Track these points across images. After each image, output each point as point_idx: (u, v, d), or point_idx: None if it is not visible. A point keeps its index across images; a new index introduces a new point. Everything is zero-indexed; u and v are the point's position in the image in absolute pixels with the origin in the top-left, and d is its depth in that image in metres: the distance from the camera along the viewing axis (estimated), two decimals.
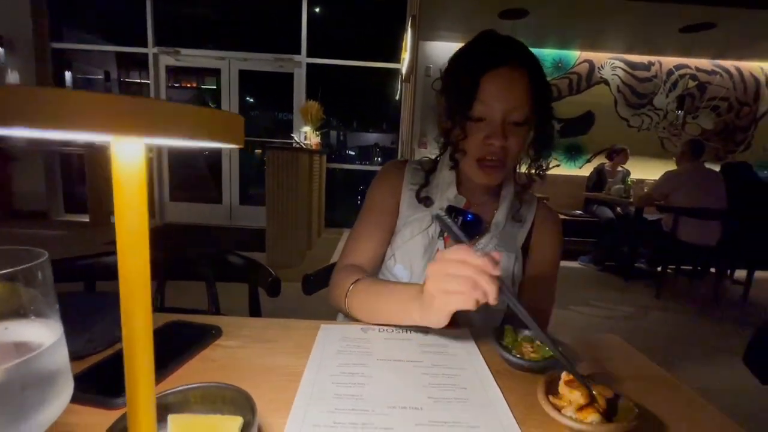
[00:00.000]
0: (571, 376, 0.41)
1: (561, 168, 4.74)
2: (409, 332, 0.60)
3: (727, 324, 2.60)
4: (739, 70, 4.61)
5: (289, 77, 4.81)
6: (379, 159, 5.46)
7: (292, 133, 4.65)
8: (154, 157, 4.79)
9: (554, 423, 0.40)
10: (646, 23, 3.69)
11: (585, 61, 4.59)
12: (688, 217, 2.89)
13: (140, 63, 4.79)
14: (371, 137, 5.66)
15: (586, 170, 4.52)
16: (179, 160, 4.99)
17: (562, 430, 0.40)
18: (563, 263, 3.32)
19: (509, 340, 0.54)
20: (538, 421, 0.41)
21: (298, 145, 3.93)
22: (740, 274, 3.23)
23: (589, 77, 4.62)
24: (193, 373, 0.47)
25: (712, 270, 3.18)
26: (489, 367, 0.51)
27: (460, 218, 0.69)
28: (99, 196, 4.23)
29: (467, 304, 0.45)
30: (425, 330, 0.61)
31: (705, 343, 2.28)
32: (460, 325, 0.70)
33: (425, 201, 0.74)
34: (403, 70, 4.22)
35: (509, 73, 0.64)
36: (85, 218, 4.32)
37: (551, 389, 0.42)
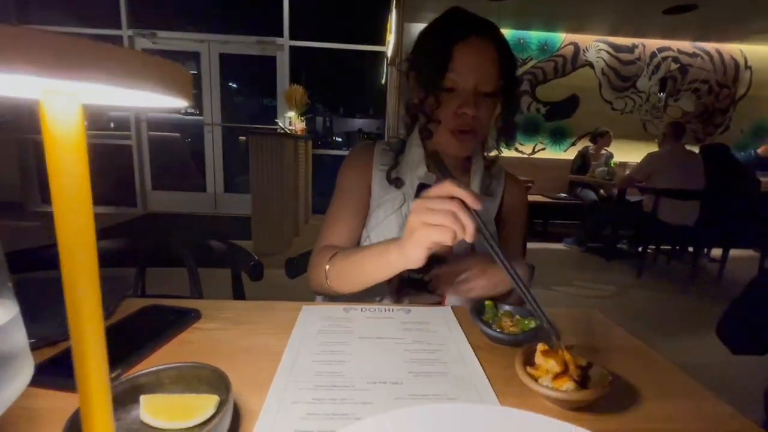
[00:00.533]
0: (547, 347, 0.42)
1: (546, 152, 4.79)
2: (391, 311, 0.60)
3: (704, 300, 2.70)
4: (719, 52, 4.67)
5: (272, 61, 4.69)
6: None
7: (276, 118, 4.55)
8: (134, 144, 4.65)
9: (532, 394, 0.41)
10: (631, 4, 3.69)
11: (570, 43, 4.58)
12: (668, 198, 2.96)
13: None
14: (357, 123, 5.59)
15: (571, 153, 4.57)
16: (160, 148, 4.85)
17: (539, 400, 0.41)
18: (547, 245, 3.38)
19: (489, 316, 0.54)
20: (516, 392, 0.42)
21: (282, 131, 3.85)
22: (716, 252, 3.35)
23: (575, 60, 4.63)
24: (170, 356, 0.46)
25: (690, 249, 3.28)
26: (469, 342, 0.51)
27: None
28: None
29: (445, 236, 0.46)
30: (407, 308, 0.61)
31: (682, 319, 2.36)
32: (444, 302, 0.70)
33: (396, 182, 0.75)
34: (389, 53, 4.15)
35: (479, 43, 0.66)
36: None
37: (529, 361, 0.43)
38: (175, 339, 0.49)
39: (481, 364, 0.47)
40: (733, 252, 3.19)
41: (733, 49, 4.67)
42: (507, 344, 0.51)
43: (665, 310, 2.55)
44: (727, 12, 3.71)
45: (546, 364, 0.40)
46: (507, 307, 0.56)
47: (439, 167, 0.55)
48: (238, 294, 0.94)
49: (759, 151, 4.07)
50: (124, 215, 4.35)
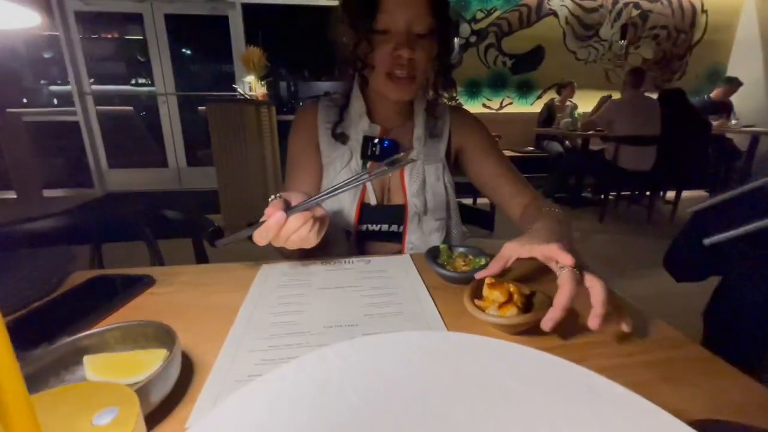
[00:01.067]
0: (493, 279, 0.44)
1: (513, 106, 4.80)
2: (351, 263, 0.61)
3: (658, 239, 2.89)
4: None
5: (224, 21, 4.35)
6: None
7: (234, 84, 4.30)
8: (81, 121, 4.31)
9: (480, 325, 0.43)
10: None
11: None
12: (628, 145, 3.07)
13: (41, 10, 4.12)
14: (324, 86, 5.36)
15: (538, 106, 4.60)
16: (112, 124, 4.53)
17: (487, 329, 0.43)
18: None
19: (444, 258, 0.56)
20: (465, 323, 0.44)
21: (242, 97, 3.66)
22: (671, 195, 3.55)
23: (539, 9, 4.54)
24: (120, 321, 0.45)
25: (648, 193, 3.47)
26: (425, 284, 0.53)
27: (378, 146, 0.70)
28: (24, 169, 3.81)
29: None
30: (367, 259, 0.62)
31: (638, 258, 2.54)
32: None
33: (341, 138, 0.74)
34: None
35: None
36: (12, 194, 3.91)
37: (477, 295, 0.45)
38: (126, 305, 0.48)
39: (434, 301, 0.48)
40: (686, 193, 3.40)
41: None
42: (460, 282, 0.53)
43: (624, 250, 2.72)
44: None
45: (491, 295, 0.42)
46: (461, 249, 0.58)
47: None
48: (202, 262, 0.92)
49: (712, 95, 4.24)
50: (81, 197, 4.11)
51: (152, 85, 4.48)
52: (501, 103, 4.78)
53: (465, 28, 4.46)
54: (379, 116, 0.76)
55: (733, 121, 4.13)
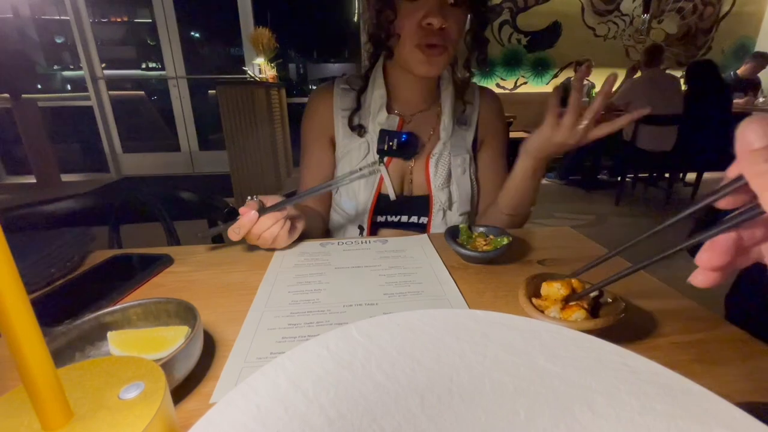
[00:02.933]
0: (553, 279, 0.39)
1: (528, 85, 4.66)
2: (367, 243, 0.60)
3: (678, 223, 2.82)
4: None
5: (233, 2, 4.28)
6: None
7: (244, 66, 4.26)
8: (95, 105, 4.34)
9: (504, 305, 0.42)
10: None
11: None
12: (647, 125, 2.97)
13: None
14: (334, 68, 5.28)
15: (553, 86, 4.45)
16: (125, 108, 4.56)
17: (514, 312, 0.42)
18: None
19: (464, 238, 0.54)
20: (488, 303, 0.43)
21: (252, 79, 3.63)
22: (690, 177, 3.44)
23: None
24: (141, 299, 0.46)
25: (666, 175, 3.36)
26: (444, 264, 0.52)
27: (395, 140, 0.67)
28: (42, 154, 3.88)
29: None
30: (384, 239, 0.61)
31: (656, 242, 2.48)
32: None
33: (358, 130, 0.70)
34: None
35: None
36: (32, 179, 4.00)
37: (534, 292, 0.40)
38: (147, 284, 0.49)
39: (455, 281, 0.47)
40: (707, 175, 3.28)
41: None
42: (481, 262, 0.52)
43: (640, 234, 2.66)
44: None
45: (553, 293, 0.38)
46: (481, 229, 0.57)
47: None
48: (216, 242, 0.93)
49: (739, 71, 4.04)
50: (98, 181, 4.18)
51: (162, 69, 4.47)
52: (515, 83, 4.64)
53: None
54: (402, 100, 0.72)
55: (761, 99, 3.94)
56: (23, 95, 3.75)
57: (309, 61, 5.24)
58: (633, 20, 4.53)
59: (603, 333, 0.34)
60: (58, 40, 4.65)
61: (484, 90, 0.78)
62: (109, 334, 0.33)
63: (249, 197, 0.54)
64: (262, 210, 0.52)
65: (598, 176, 3.80)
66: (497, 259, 0.52)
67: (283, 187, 3.68)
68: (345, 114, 0.72)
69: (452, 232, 0.55)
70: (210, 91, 4.68)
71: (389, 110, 0.70)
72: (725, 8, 4.62)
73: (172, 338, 0.33)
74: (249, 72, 3.89)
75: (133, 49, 4.70)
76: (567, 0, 4.41)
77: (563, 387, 0.25)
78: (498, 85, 4.61)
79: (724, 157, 3.14)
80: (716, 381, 0.31)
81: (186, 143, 4.65)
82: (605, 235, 2.63)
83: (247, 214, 0.51)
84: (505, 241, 0.51)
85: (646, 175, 3.54)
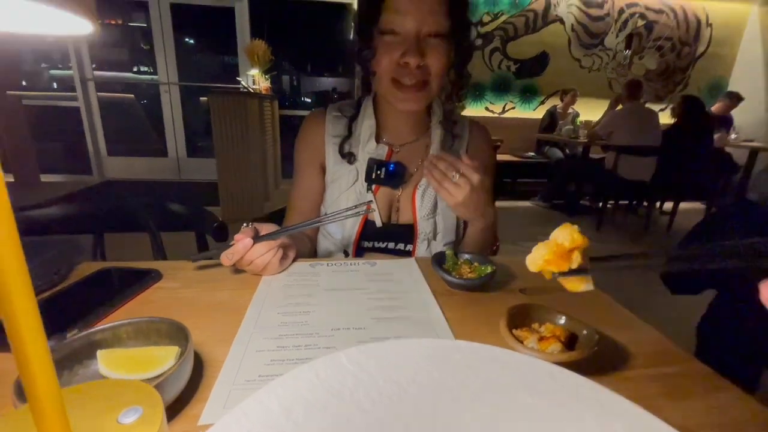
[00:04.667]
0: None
1: (516, 110, 4.80)
2: (356, 265, 0.61)
3: (655, 249, 2.92)
4: (683, 9, 4.72)
5: (230, 13, 4.33)
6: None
7: (238, 77, 4.29)
8: (82, 106, 4.28)
9: (486, 334, 0.44)
10: None
11: None
12: (627, 155, 3.09)
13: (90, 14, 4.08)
14: (327, 82, 5.35)
15: (540, 112, 4.61)
16: (113, 110, 4.50)
17: (493, 339, 0.43)
18: (516, 203, 3.47)
19: (450, 264, 0.56)
20: (471, 331, 0.45)
21: (245, 90, 3.64)
22: (668, 205, 3.58)
23: (545, 15, 4.55)
24: (130, 315, 0.45)
25: (645, 204, 3.49)
26: (431, 290, 0.54)
27: (383, 169, 0.68)
28: (23, 153, 3.78)
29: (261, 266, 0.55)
30: (373, 261, 0.62)
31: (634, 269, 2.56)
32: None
33: (349, 157, 0.72)
34: (355, 5, 3.92)
35: None
36: (10, 178, 3.88)
37: (513, 322, 0.41)
38: (135, 299, 0.49)
39: (440, 308, 0.49)
40: (683, 205, 3.42)
41: (696, 6, 4.72)
42: (466, 289, 0.53)
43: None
44: None
45: (534, 326, 0.41)
46: (467, 256, 0.59)
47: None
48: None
49: (713, 108, 4.26)
50: (79, 183, 4.08)
51: (154, 73, 4.45)
52: (504, 108, 4.79)
53: (471, 32, 4.46)
54: (391, 131, 0.73)
55: (733, 136, 4.16)
56: (7, 91, 3.66)
57: (303, 74, 5.30)
58: (616, 55, 4.76)
59: (578, 364, 0.36)
60: (49, 38, 4.59)
61: (474, 124, 0.79)
62: (99, 353, 0.33)
63: (244, 224, 0.55)
64: (257, 238, 0.53)
65: (581, 201, 3.91)
66: (481, 287, 0.54)
67: (270, 198, 3.66)
68: (336, 141, 0.73)
69: (439, 259, 0.57)
70: (202, 98, 4.68)
71: (378, 140, 0.72)
72: (701, 49, 4.90)
73: (162, 358, 0.33)
74: (243, 82, 3.90)
75: (126, 52, 4.68)
76: (555, 32, 4.62)
77: (538, 418, 0.27)
78: (487, 109, 4.75)
79: (698, 188, 3.30)
80: (681, 415, 0.33)
81: (174, 149, 4.61)
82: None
83: (242, 240, 0.52)
84: (489, 269, 0.53)
85: (626, 202, 3.67)
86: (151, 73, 4.56)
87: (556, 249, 0.36)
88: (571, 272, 0.36)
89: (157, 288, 0.52)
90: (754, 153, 3.79)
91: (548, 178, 4.11)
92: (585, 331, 0.40)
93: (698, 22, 4.79)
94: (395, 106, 0.66)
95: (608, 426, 0.25)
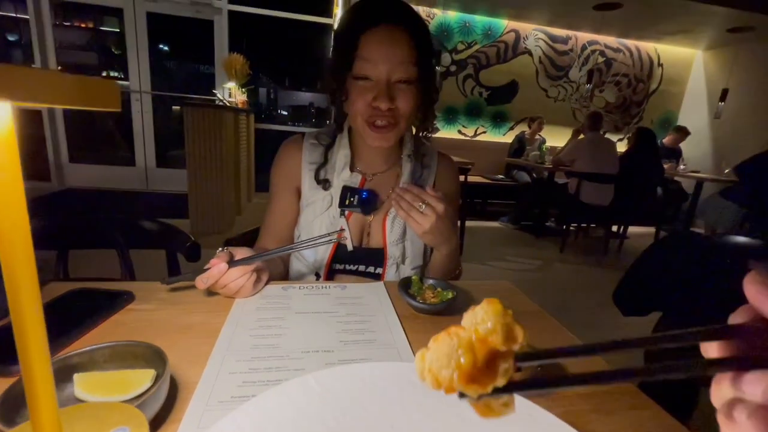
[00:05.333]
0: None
1: (487, 134, 5.02)
2: (327, 288, 0.64)
3: (611, 270, 3.09)
4: (638, 49, 5.15)
5: (209, 25, 4.33)
6: (315, 120, 5.26)
7: (214, 89, 4.26)
8: (44, 109, 4.10)
9: None
10: None
11: (512, 30, 4.77)
12: (588, 181, 3.30)
13: None
14: (305, 96, 5.39)
15: (510, 137, 4.85)
16: (78, 115, 4.33)
17: None
18: (485, 223, 3.58)
19: (415, 289, 0.61)
20: None
21: (221, 103, 3.63)
22: (631, 229, 3.84)
23: (515, 47, 4.84)
24: (103, 338, 0.47)
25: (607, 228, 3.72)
26: (397, 313, 0.57)
27: (356, 196, 0.73)
28: None
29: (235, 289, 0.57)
30: (343, 285, 0.66)
31: (592, 288, 2.70)
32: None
33: (324, 183, 0.76)
34: (336, 26, 4.03)
35: (390, 30, 0.64)
36: None
37: None
38: (107, 321, 0.50)
39: (404, 331, 0.53)
40: (636, 229, 3.67)
41: (648, 47, 5.17)
42: (428, 313, 0.58)
43: (579, 279, 2.90)
44: (646, 13, 4.09)
45: None
46: (431, 281, 0.63)
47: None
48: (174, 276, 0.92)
49: (664, 141, 4.63)
50: (37, 190, 3.87)
51: (125, 79, 4.35)
52: (476, 131, 5.00)
53: (446, 58, 4.67)
54: (365, 161, 0.79)
55: (682, 166, 4.52)
56: None
57: (280, 88, 5.32)
58: (579, 87, 5.11)
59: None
60: (11, 38, 4.40)
61: (443, 156, 0.86)
62: (76, 377, 0.34)
63: (219, 249, 0.57)
64: (232, 262, 0.55)
65: (546, 224, 4.10)
66: (443, 311, 0.58)
67: (242, 211, 3.62)
68: (312, 167, 0.77)
69: (405, 284, 0.61)
70: (174, 107, 4.60)
71: (352, 168, 0.77)
72: (653, 86, 5.35)
73: (138, 381, 0.35)
74: (218, 95, 3.89)
75: (95, 56, 4.55)
76: (524, 63, 4.91)
77: (481, 431, 0.31)
78: (460, 132, 4.94)
79: (654, 213, 3.56)
80: (606, 428, 0.38)
81: (142, 158, 4.47)
82: (551, 281, 2.82)
83: (217, 266, 0.54)
84: (450, 295, 0.58)
85: (586, 225, 3.89)
86: (121, 79, 4.44)
87: (471, 353, 0.20)
88: (496, 392, 0.20)
89: (130, 310, 0.53)
90: (700, 183, 4.12)
91: (516, 201, 4.30)
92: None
93: (651, 61, 5.24)
94: (368, 143, 0.72)
95: None
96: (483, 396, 0.20)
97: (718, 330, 0.17)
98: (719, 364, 0.18)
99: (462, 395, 0.20)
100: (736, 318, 0.18)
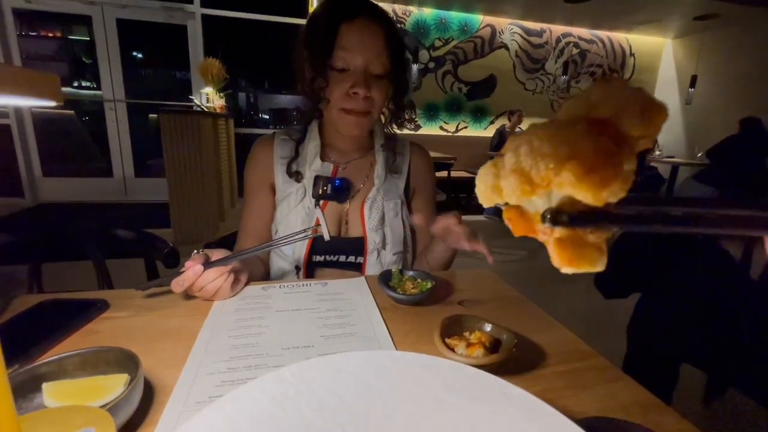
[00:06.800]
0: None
1: (468, 129, 5.07)
2: (308, 286, 0.64)
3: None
4: (610, 40, 5.27)
5: (182, 30, 4.25)
6: (297, 123, 5.19)
7: (191, 95, 4.19)
8: (13, 123, 3.96)
9: (424, 344, 0.49)
10: None
11: (487, 25, 4.83)
12: None
13: None
14: (285, 99, 5.34)
15: (491, 131, 4.91)
16: (50, 128, 4.20)
17: (431, 348, 0.48)
18: (470, 217, 3.63)
19: (395, 281, 0.61)
20: (412, 342, 0.49)
21: (198, 108, 3.57)
22: None
23: (491, 41, 4.89)
24: (75, 347, 0.45)
25: None
26: (378, 306, 0.58)
27: (329, 185, 0.73)
28: None
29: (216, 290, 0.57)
30: (324, 282, 0.66)
31: (576, 276, 2.75)
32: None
33: (296, 176, 0.77)
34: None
35: (367, 23, 0.68)
36: None
37: (447, 332, 0.47)
38: (80, 330, 0.48)
39: (385, 323, 0.53)
40: None
41: (620, 37, 5.30)
42: (407, 304, 0.58)
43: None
44: (615, 4, 4.19)
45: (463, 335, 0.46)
46: (411, 273, 0.64)
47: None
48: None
49: None
50: (9, 206, 3.74)
51: (98, 88, 4.24)
52: (457, 127, 5.04)
53: (424, 55, 4.69)
54: (336, 150, 0.80)
55: (657, 152, 4.65)
56: None
57: (260, 91, 5.26)
58: (555, 79, 5.20)
59: (501, 366, 0.42)
60: None
61: (414, 145, 0.88)
62: (44, 386, 0.34)
63: (195, 251, 0.56)
64: (208, 264, 0.54)
65: None
66: (423, 301, 0.59)
67: (226, 217, 3.57)
68: (284, 162, 0.78)
69: (385, 276, 0.61)
70: (151, 115, 4.50)
71: (324, 158, 0.78)
72: (627, 75, 5.48)
73: (110, 387, 0.34)
74: (196, 100, 3.82)
75: (65, 66, 4.41)
76: (501, 57, 4.98)
77: (457, 414, 0.31)
78: (441, 128, 4.97)
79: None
80: (580, 402, 0.39)
81: (120, 168, 4.37)
82: (535, 270, 2.88)
83: (193, 267, 0.53)
84: (429, 285, 0.59)
85: None
86: (94, 89, 4.32)
87: (591, 135, 0.14)
88: (596, 218, 0.15)
89: (104, 318, 0.52)
90: (675, 168, 4.25)
91: None
92: (505, 336, 0.46)
93: (623, 51, 5.37)
94: (342, 131, 0.74)
95: (511, 414, 0.30)
96: (584, 221, 0.14)
97: None
98: None
99: (555, 218, 0.14)
100: None
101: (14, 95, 0.15)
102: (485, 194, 0.17)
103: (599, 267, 0.16)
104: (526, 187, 0.14)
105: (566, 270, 0.17)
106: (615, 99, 0.14)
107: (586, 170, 0.13)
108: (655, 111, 0.14)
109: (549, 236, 0.16)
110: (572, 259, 0.16)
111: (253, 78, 5.09)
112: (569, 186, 0.13)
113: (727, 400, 1.41)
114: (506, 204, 0.18)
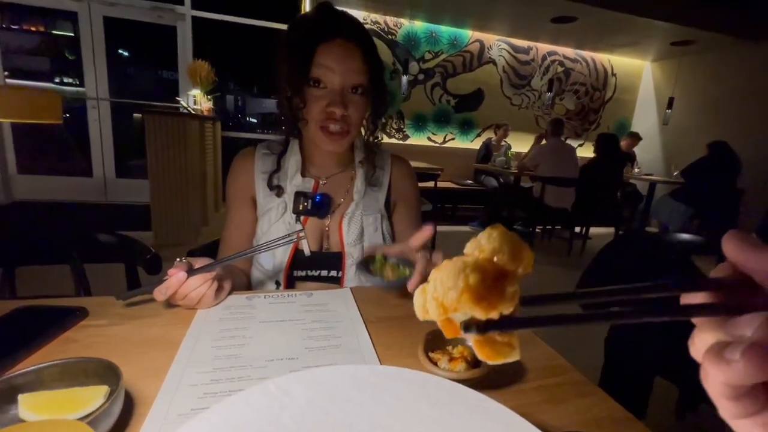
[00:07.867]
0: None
1: (455, 141, 5.15)
2: (293, 296, 0.64)
3: (575, 270, 3.23)
4: (593, 60, 5.47)
5: (172, 31, 4.21)
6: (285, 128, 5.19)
7: (178, 96, 4.13)
8: None
9: (408, 357, 0.49)
10: (524, 10, 4.11)
11: (476, 40, 4.94)
12: (551, 185, 3.45)
13: None
14: (273, 104, 5.27)
15: (477, 144, 4.99)
16: (27, 124, 4.07)
17: (414, 360, 0.49)
18: (455, 228, 3.67)
19: (377, 267, 0.62)
20: (396, 355, 0.50)
21: (185, 111, 3.52)
22: (592, 231, 4.03)
23: (480, 56, 5.01)
24: (52, 357, 0.44)
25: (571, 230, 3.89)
26: (362, 318, 0.58)
27: (310, 201, 0.74)
28: None
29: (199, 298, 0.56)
30: (309, 292, 0.66)
31: (556, 286, 2.82)
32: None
33: (277, 190, 0.77)
34: (284, 36, 4.02)
35: (343, 43, 0.68)
36: None
37: (431, 347, 0.48)
38: (57, 339, 0.47)
39: (370, 335, 0.54)
40: (597, 230, 3.86)
41: (603, 58, 5.50)
42: (384, 288, 0.59)
43: (545, 281, 3.01)
44: (598, 26, 4.36)
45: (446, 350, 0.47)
46: (393, 259, 0.64)
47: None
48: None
49: (621, 145, 4.92)
50: None
51: (81, 85, 4.14)
52: (444, 138, 5.11)
53: (414, 66, 4.77)
54: (317, 165, 0.80)
55: (636, 170, 4.81)
56: None
57: (248, 95, 5.23)
58: (541, 95, 5.34)
59: (482, 380, 0.43)
60: None
61: (396, 157, 0.88)
62: (20, 397, 0.33)
63: (178, 259, 0.56)
64: (191, 271, 0.54)
65: (514, 226, 4.24)
66: (399, 287, 0.59)
67: (209, 222, 3.51)
68: (265, 176, 0.78)
69: (365, 261, 0.62)
70: (135, 114, 4.41)
71: (305, 173, 0.78)
72: (609, 94, 5.68)
73: (89, 399, 0.34)
74: (182, 102, 3.77)
75: (47, 61, 4.30)
76: (489, 72, 5.09)
77: (439, 428, 0.32)
78: (429, 139, 5.04)
79: (613, 215, 3.77)
80: (556, 416, 0.40)
81: (100, 168, 4.26)
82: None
83: (176, 274, 0.52)
84: (407, 272, 0.59)
85: (551, 227, 4.05)
86: (76, 85, 4.23)
87: (479, 271, 0.19)
88: (498, 325, 0.19)
89: (83, 326, 0.51)
90: (653, 185, 4.40)
91: (485, 205, 4.43)
92: None
93: (605, 71, 5.57)
94: (321, 147, 0.74)
95: (490, 429, 0.31)
96: (489, 328, 0.19)
97: (701, 282, 0.18)
98: (703, 308, 0.18)
99: (467, 328, 0.19)
100: (716, 273, 0.18)
101: (17, 119, 0.15)
102: (420, 311, 0.22)
103: (514, 358, 0.21)
104: (440, 310, 0.20)
105: (490, 363, 0.21)
106: (494, 243, 0.21)
107: (478, 298, 0.19)
108: (523, 251, 0.21)
109: (471, 339, 0.20)
110: (489, 355, 0.21)
111: (242, 82, 5.06)
112: (469, 310, 0.19)
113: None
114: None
